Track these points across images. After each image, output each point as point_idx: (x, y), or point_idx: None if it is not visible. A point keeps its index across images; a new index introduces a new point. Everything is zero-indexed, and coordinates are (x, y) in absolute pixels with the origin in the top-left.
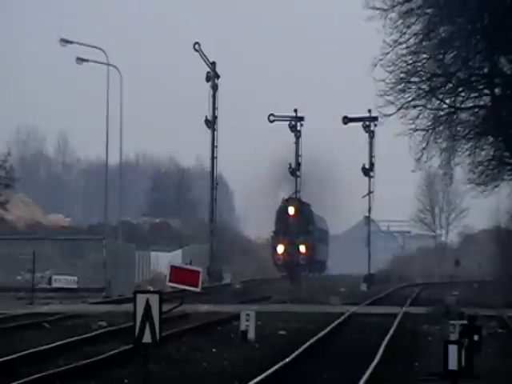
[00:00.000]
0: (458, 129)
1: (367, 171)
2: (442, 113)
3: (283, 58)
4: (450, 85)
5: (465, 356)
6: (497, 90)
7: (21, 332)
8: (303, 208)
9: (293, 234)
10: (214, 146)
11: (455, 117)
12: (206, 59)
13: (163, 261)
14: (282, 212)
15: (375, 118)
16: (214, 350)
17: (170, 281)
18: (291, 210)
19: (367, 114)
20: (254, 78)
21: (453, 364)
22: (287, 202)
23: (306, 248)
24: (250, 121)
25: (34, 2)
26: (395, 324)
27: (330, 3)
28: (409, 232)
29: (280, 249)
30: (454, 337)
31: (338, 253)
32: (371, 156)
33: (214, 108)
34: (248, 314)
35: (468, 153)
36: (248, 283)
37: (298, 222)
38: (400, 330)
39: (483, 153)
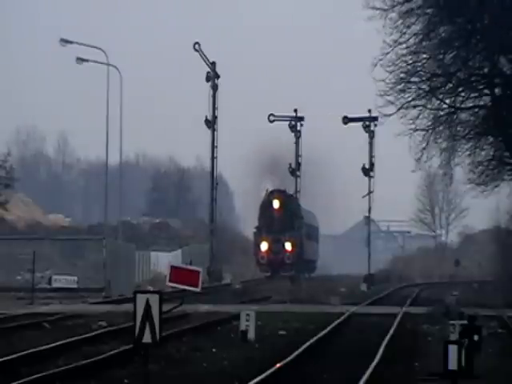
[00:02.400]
0: (458, 129)
1: (367, 171)
2: (442, 113)
3: (283, 58)
4: (450, 85)
5: (465, 356)
6: (497, 90)
7: (21, 332)
8: (289, 201)
9: (277, 230)
10: (213, 146)
11: (455, 117)
12: (206, 59)
13: (163, 261)
14: (265, 206)
15: (375, 118)
16: (214, 349)
17: (170, 281)
18: (276, 204)
19: (367, 114)
20: (254, 78)
21: (453, 364)
22: (271, 195)
23: (293, 245)
24: (249, 121)
25: (33, 2)
26: (395, 324)
27: (330, 3)
28: (409, 232)
29: (263, 246)
30: (453, 337)
31: (338, 253)
32: (371, 156)
33: (214, 108)
34: (248, 314)
35: (468, 153)
36: (248, 283)
37: (284, 216)
38: (400, 330)
39: (483, 153)
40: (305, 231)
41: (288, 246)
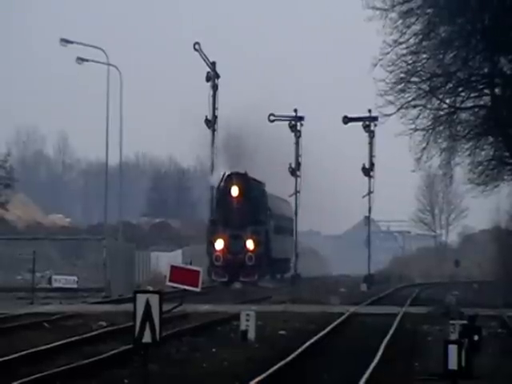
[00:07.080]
0: (458, 129)
1: (367, 171)
2: (442, 113)
3: (283, 58)
4: (450, 85)
5: (465, 356)
6: (497, 90)
7: (21, 332)
8: (253, 187)
9: (237, 225)
10: (213, 146)
11: (455, 117)
12: (206, 59)
13: (163, 261)
14: (222, 194)
15: (375, 118)
16: (213, 350)
17: (170, 281)
18: (235, 191)
19: (367, 114)
20: (254, 77)
21: (453, 364)
22: (229, 180)
23: (256, 243)
24: (249, 121)
25: (34, 2)
26: (395, 324)
27: (330, 3)
28: (409, 232)
29: (219, 244)
30: (453, 337)
31: (337, 253)
32: (371, 156)
33: (214, 108)
34: (248, 314)
35: (468, 153)
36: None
37: (245, 206)
38: (400, 330)
39: (483, 153)
40: (273, 224)
41: (250, 244)
